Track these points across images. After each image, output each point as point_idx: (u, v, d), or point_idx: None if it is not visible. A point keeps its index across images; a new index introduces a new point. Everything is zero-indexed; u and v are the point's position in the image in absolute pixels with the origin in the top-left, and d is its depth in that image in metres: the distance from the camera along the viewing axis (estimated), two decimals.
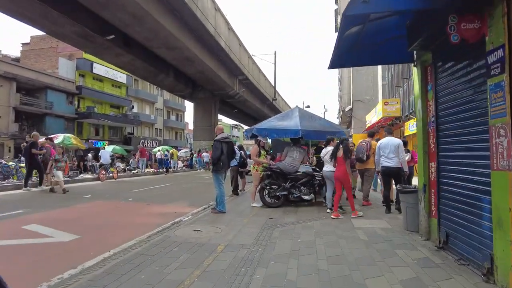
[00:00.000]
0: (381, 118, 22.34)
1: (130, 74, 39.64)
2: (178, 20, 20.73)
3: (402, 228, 5.51)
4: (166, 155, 24.94)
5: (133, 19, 18.35)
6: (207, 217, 6.68)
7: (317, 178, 7.87)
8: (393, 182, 6.96)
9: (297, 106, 9.04)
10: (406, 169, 6.72)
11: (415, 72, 5.09)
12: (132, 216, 7.46)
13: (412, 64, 5.17)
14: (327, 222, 6.12)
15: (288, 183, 7.82)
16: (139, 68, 26.81)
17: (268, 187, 7.77)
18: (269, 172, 7.96)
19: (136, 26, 19.27)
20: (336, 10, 53.64)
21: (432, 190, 4.66)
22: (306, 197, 7.81)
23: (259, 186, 7.86)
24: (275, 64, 45.37)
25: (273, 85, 46.49)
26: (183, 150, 33.35)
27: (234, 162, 10.07)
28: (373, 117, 25.65)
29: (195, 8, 20.17)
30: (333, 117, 62.23)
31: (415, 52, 4.97)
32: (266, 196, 7.85)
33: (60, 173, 10.66)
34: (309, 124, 7.99)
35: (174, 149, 30.19)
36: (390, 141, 6.79)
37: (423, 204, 4.83)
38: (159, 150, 29.55)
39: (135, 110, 48.81)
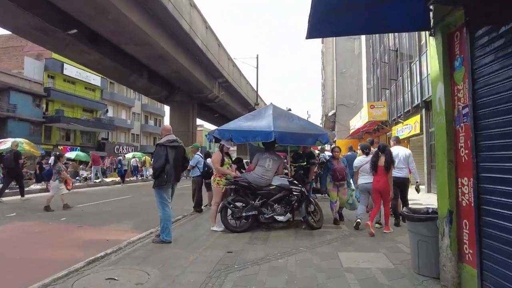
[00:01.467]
0: (366, 123, 20.97)
1: (104, 77, 37.27)
2: (148, 14, 18.91)
3: (411, 269, 3.86)
4: (125, 163, 22.57)
5: (95, 10, 16.44)
6: (142, 250, 4.86)
7: (294, 193, 6.20)
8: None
9: (271, 103, 7.39)
10: (417, 179, 6.96)
11: (431, 43, 3.48)
12: (46, 245, 5.57)
13: (427, 34, 3.56)
14: (306, 259, 4.42)
15: (258, 200, 6.11)
16: (108, 68, 24.74)
17: (231, 205, 6.03)
18: (234, 186, 6.24)
19: (100, 18, 17.36)
20: None
21: (465, 220, 3.03)
22: (280, 218, 6.10)
23: (220, 204, 6.10)
24: (257, 68, 43.94)
25: (255, 89, 45.05)
26: None
27: (196, 172, 8.33)
28: (357, 122, 24.33)
29: (166, 1, 18.42)
30: (316, 122, 61.04)
31: (432, 12, 3.37)
32: (230, 217, 6.12)
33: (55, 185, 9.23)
34: (285, 125, 6.31)
35: (147, 156, 28.06)
36: (400, 151, 6.69)
37: (448, 241, 3.20)
38: (134, 157, 27.44)
39: (110, 114, 46.38)
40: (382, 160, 5.91)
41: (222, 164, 6.24)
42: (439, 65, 3.32)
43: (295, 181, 6.33)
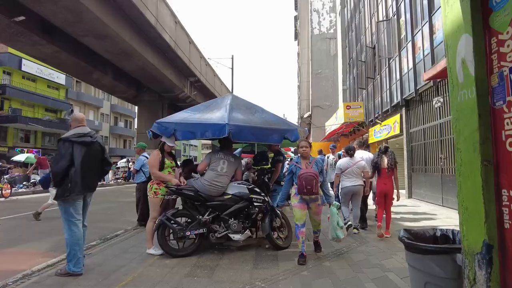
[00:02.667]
0: (342, 124, 20.00)
1: (67, 74, 34.78)
2: (107, 2, 17.19)
3: None
4: None
5: None
6: None
7: (256, 203, 4.85)
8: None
9: (231, 93, 6.05)
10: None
11: None
12: None
13: None
14: None
15: (208, 214, 4.72)
16: (67, 63, 22.65)
17: (172, 221, 4.60)
18: (175, 196, 4.82)
19: (50, 5, 15.50)
20: (295, 17, 52.41)
21: None
22: (237, 237, 4.72)
23: (157, 220, 4.66)
24: (232, 68, 42.48)
25: (231, 91, 43.69)
26: (123, 160, 29.13)
27: (141, 177, 6.87)
28: (333, 124, 23.39)
29: None
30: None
31: None
32: (170, 237, 4.69)
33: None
34: (245, 118, 4.95)
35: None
36: (363, 155, 6.66)
37: None
38: None
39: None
40: (385, 161, 5.81)
41: (162, 168, 4.81)
42: (463, 6, 2.06)
43: (257, 189, 4.98)
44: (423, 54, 10.28)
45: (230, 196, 4.83)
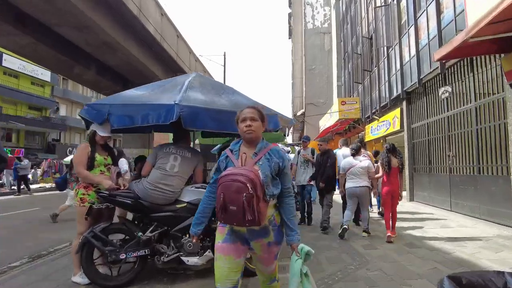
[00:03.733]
0: (337, 121, 18.85)
1: (50, 70, 33.22)
2: None
3: None
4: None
5: None
6: None
7: None
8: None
9: (196, 72, 4.80)
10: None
11: None
12: None
13: None
14: None
15: (152, 230, 3.46)
16: (45, 56, 21.08)
17: (101, 240, 3.32)
18: (109, 205, 3.55)
19: None
20: (289, 14, 51.27)
21: None
22: (193, 261, 3.44)
23: (81, 238, 3.38)
24: (224, 65, 41.32)
25: None
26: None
27: None
28: (327, 121, 22.23)
29: None
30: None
31: None
32: (99, 261, 3.42)
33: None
34: (206, 99, 3.68)
35: None
36: (348, 153, 6.36)
37: None
38: None
39: (62, 113, 42.12)
40: (395, 161, 5.59)
41: (91, 166, 3.53)
42: None
43: None
44: (429, 38, 9.08)
45: (185, 204, 3.56)
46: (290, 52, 39.76)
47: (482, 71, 7.17)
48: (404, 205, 9.88)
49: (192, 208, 3.55)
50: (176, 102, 3.28)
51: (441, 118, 9.00)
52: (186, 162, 3.65)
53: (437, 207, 8.97)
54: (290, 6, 48.31)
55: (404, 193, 11.99)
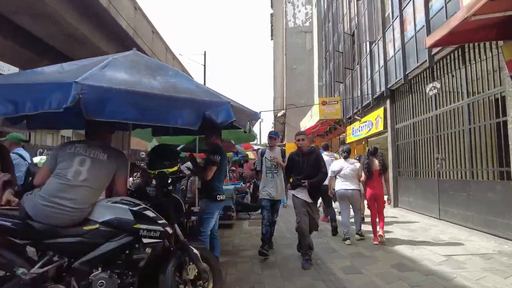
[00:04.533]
0: (318, 122, 18.07)
1: (12, 65, 31.16)
2: None
3: None
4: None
5: None
6: None
7: (146, 240, 2.55)
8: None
9: (134, 49, 3.77)
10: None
11: None
12: None
13: None
14: None
15: (44, 263, 2.39)
16: (3, 49, 19.48)
17: None
18: None
19: None
20: (271, 14, 50.60)
21: None
22: None
23: None
24: (204, 65, 40.28)
25: None
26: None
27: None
28: (308, 122, 21.46)
29: None
30: (269, 126, 58.50)
31: None
32: None
33: None
34: (129, 79, 2.64)
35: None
36: (325, 157, 5.63)
37: None
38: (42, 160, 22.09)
39: None
40: (376, 163, 5.65)
41: None
42: None
43: (150, 212, 2.66)
44: (415, 30, 8.32)
45: (97, 226, 2.51)
46: (272, 53, 39.00)
47: (476, 64, 6.42)
48: (388, 211, 9.08)
49: (107, 231, 2.53)
50: (75, 81, 2.24)
51: (429, 117, 8.25)
52: (98, 167, 2.60)
53: (424, 215, 8.20)
54: (272, 7, 47.72)
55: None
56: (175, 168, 3.07)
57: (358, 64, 13.99)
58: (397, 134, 10.18)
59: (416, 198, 8.80)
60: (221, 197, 3.89)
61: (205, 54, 40.00)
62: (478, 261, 4.47)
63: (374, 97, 11.71)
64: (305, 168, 4.49)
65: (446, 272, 3.97)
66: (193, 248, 2.88)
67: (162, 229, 2.62)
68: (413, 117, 9.14)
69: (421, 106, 8.70)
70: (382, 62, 10.73)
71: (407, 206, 9.33)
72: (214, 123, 2.74)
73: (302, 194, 4.49)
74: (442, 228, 6.80)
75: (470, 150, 6.55)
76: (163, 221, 2.67)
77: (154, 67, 3.26)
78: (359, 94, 13.70)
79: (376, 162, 5.61)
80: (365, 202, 6.30)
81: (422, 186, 8.52)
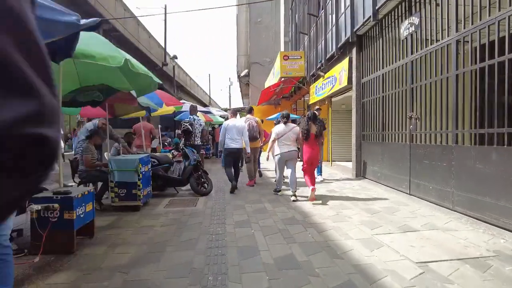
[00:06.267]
0: (279, 80, 16.02)
1: None
2: None
3: None
4: None
5: None
6: None
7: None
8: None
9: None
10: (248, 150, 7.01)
11: None
12: None
13: None
14: None
15: None
16: None
17: None
18: None
19: None
20: None
21: None
22: None
23: None
24: (165, 20, 36.54)
25: (163, 46, 37.56)
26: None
27: None
28: (271, 81, 19.37)
29: None
30: (237, 91, 55.64)
31: None
32: None
33: None
34: None
35: None
36: (235, 122, 6.95)
37: None
38: None
39: None
40: (313, 128, 5.93)
41: None
42: None
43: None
44: None
45: None
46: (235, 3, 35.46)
47: None
48: (349, 184, 7.47)
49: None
50: None
51: (402, 65, 6.44)
52: None
53: (392, 189, 6.63)
54: None
55: (349, 166, 9.64)
56: None
57: (322, 10, 11.84)
58: (363, 89, 8.38)
59: (383, 167, 7.19)
60: None
61: (165, 8, 36.24)
62: (471, 277, 2.81)
63: (338, 46, 9.74)
64: None
65: None
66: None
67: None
68: (383, 67, 7.31)
69: (393, 52, 6.86)
70: (348, 1, 8.67)
71: (372, 177, 7.74)
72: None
73: None
74: (413, 208, 5.20)
75: (456, 105, 4.83)
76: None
77: None
78: (323, 46, 11.68)
79: (314, 127, 5.92)
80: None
81: (390, 152, 6.88)
